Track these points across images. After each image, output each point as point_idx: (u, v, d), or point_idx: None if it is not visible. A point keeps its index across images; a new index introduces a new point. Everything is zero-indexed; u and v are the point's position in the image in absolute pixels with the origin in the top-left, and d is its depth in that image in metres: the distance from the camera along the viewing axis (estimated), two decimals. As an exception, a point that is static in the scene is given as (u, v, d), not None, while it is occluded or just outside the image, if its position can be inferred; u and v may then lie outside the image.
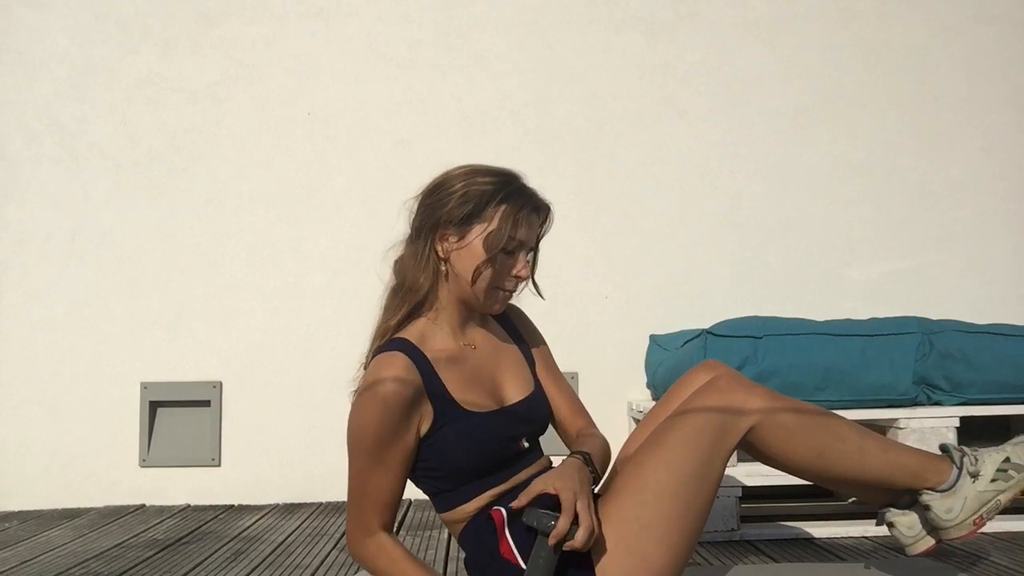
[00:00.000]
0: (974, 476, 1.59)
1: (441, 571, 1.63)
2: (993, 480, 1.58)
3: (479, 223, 1.54)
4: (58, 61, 3.30)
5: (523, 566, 1.42)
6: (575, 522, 1.37)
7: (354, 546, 1.51)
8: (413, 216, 1.61)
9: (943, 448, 1.66)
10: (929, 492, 1.60)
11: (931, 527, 1.62)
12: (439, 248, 1.57)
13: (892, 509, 1.67)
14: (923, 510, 1.62)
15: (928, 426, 2.43)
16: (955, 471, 1.60)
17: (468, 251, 1.54)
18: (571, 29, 3.38)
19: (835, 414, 1.63)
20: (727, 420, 1.53)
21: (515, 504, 1.44)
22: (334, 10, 3.36)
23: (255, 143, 3.32)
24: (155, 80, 3.32)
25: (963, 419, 2.47)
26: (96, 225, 3.27)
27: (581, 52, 3.38)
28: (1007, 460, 1.60)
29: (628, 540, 1.44)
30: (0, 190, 3.27)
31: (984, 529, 1.62)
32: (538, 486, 1.43)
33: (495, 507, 1.52)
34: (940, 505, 1.58)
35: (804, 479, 1.67)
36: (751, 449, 1.60)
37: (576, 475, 1.45)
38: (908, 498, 1.65)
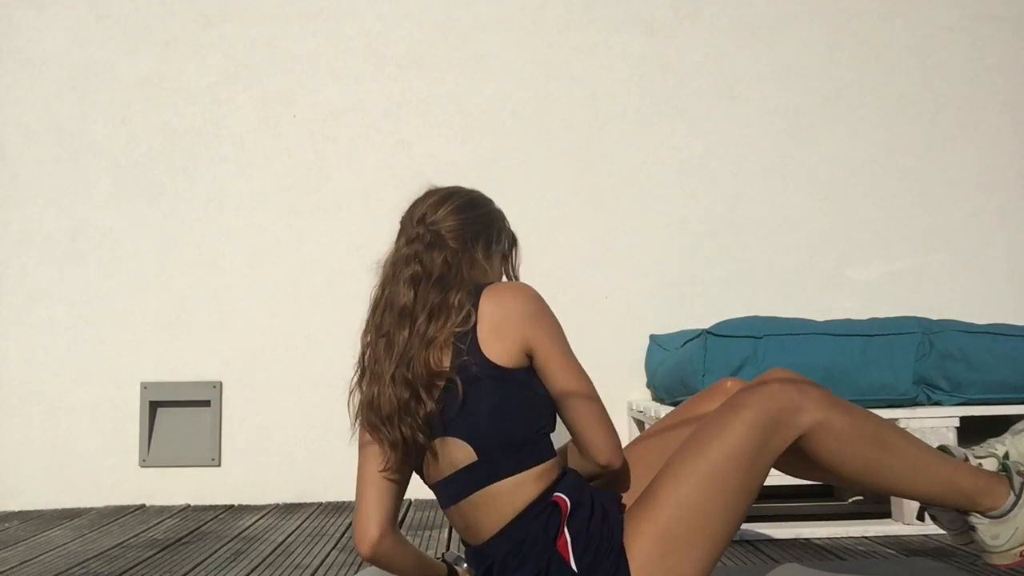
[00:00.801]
0: None
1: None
2: None
3: (498, 245, 1.62)
4: (58, 61, 3.30)
5: (575, 568, 1.38)
6: None
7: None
8: (455, 224, 1.57)
9: (1004, 466, 1.54)
10: (978, 515, 1.50)
11: (974, 543, 1.54)
12: (468, 256, 1.56)
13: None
14: (968, 528, 1.52)
15: (928, 426, 2.43)
16: (1011, 499, 1.49)
17: (489, 266, 1.59)
18: (571, 29, 3.38)
19: (895, 426, 1.54)
20: (780, 422, 1.44)
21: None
22: (334, 10, 3.36)
23: (255, 143, 3.32)
24: (155, 80, 3.32)
25: (963, 419, 2.47)
26: (96, 225, 3.27)
27: (581, 52, 3.38)
28: None
29: (664, 558, 1.39)
30: (0, 190, 3.27)
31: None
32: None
33: (557, 493, 1.44)
34: (987, 530, 1.50)
35: (847, 486, 1.59)
36: (794, 459, 1.50)
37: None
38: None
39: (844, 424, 1.46)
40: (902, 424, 2.44)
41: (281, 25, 3.35)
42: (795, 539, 2.35)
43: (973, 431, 2.58)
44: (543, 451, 1.46)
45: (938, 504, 1.54)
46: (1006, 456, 1.54)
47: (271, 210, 3.30)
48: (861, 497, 2.69)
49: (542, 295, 1.50)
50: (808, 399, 1.46)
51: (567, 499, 1.42)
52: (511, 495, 1.43)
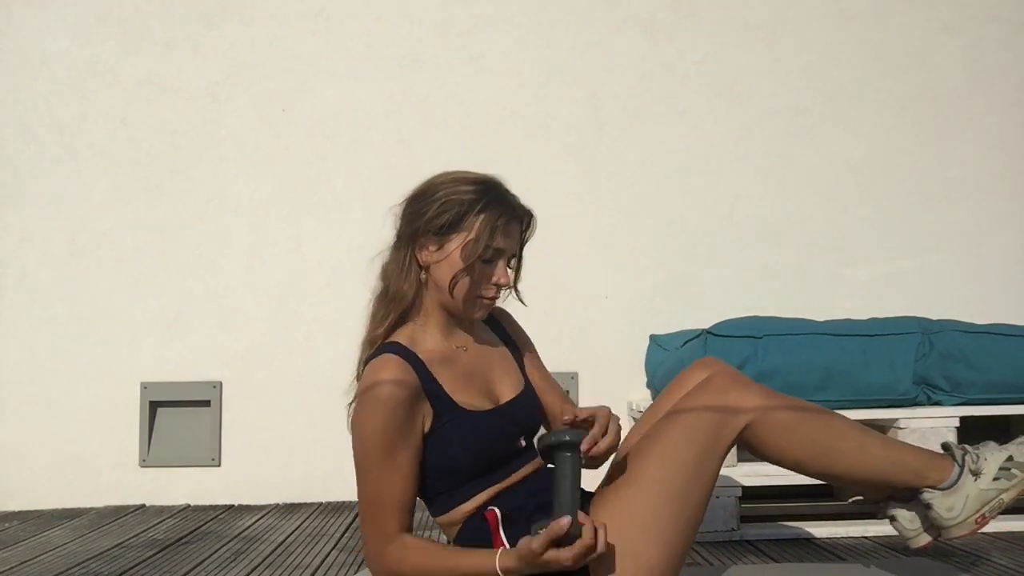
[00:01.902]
0: (976, 474, 1.58)
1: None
2: (996, 479, 1.57)
3: (457, 233, 1.55)
4: (58, 61, 3.30)
5: None
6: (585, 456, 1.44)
7: (375, 558, 1.47)
8: (397, 222, 1.62)
9: (945, 446, 1.65)
10: (930, 490, 1.59)
11: (933, 526, 1.62)
12: (420, 256, 1.58)
13: (892, 502, 1.67)
14: (924, 508, 1.61)
15: (928, 426, 2.43)
16: (956, 469, 1.59)
17: (447, 261, 1.55)
18: (571, 29, 3.38)
19: (834, 412, 1.63)
20: (723, 418, 1.53)
21: (566, 418, 1.50)
22: (334, 10, 3.36)
23: (255, 143, 3.32)
24: (155, 80, 3.32)
25: (963, 419, 2.47)
26: (96, 225, 3.27)
27: (581, 52, 3.38)
28: (1010, 459, 1.59)
29: (623, 538, 1.43)
30: (0, 190, 3.27)
31: (984, 529, 1.61)
32: (568, 411, 1.52)
33: (489, 508, 1.52)
34: (941, 503, 1.58)
35: (804, 475, 1.67)
36: (750, 446, 1.60)
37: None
38: (908, 493, 1.64)
39: (784, 413, 1.56)
40: (902, 424, 2.44)
41: (281, 25, 3.35)
42: (795, 539, 2.35)
43: (973, 431, 2.58)
44: (452, 502, 1.55)
45: (889, 483, 1.62)
46: (1009, 459, 1.58)
47: (271, 210, 3.30)
48: (861, 497, 2.68)
49: (369, 414, 1.45)
50: (748, 394, 1.56)
51: (497, 510, 1.50)
52: (448, 521, 1.57)
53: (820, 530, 2.38)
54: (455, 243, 1.55)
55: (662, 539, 1.45)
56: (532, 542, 1.33)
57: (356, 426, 1.47)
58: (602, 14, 3.38)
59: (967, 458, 1.60)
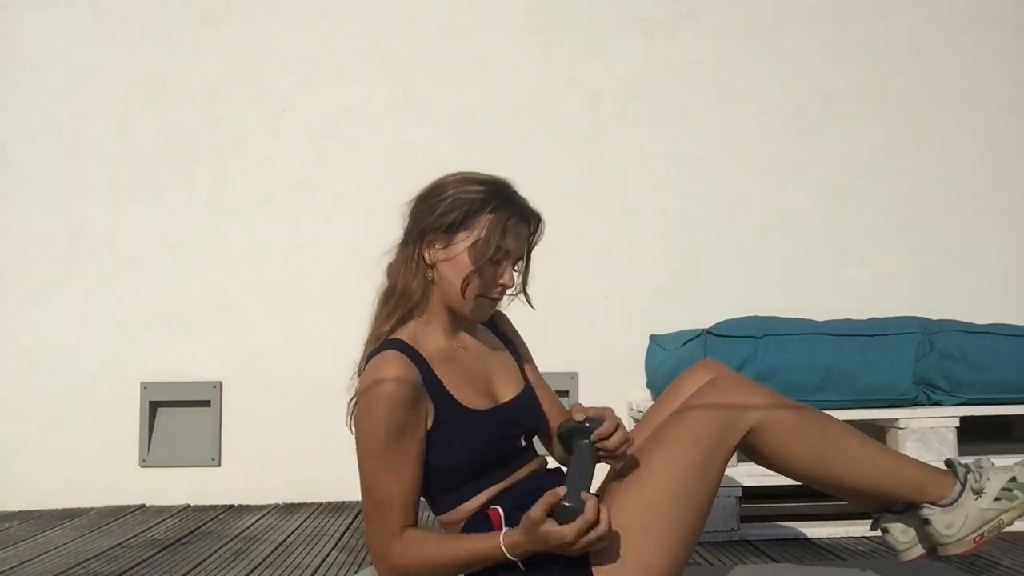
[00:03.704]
0: (977, 493, 1.55)
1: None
2: (997, 499, 1.55)
3: (465, 232, 1.55)
4: (58, 61, 3.30)
5: (521, 566, 1.42)
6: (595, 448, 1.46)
7: (381, 556, 1.45)
8: (405, 220, 1.61)
9: (948, 463, 1.63)
10: (930, 506, 1.57)
11: (928, 540, 1.59)
12: (427, 255, 1.57)
13: (886, 514, 1.65)
14: (923, 523, 1.59)
15: (928, 426, 2.43)
16: (958, 487, 1.57)
17: (455, 260, 1.55)
18: (571, 29, 3.38)
19: (839, 420, 1.61)
20: (728, 420, 1.52)
21: (574, 409, 1.50)
22: (334, 10, 3.36)
23: (255, 143, 3.32)
24: (155, 80, 3.31)
25: (963, 419, 2.47)
26: (96, 225, 3.27)
27: (581, 52, 3.38)
28: (1013, 480, 1.56)
29: (627, 540, 1.43)
30: (0, 190, 3.27)
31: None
32: (575, 408, 1.52)
33: (492, 506, 1.52)
34: (940, 520, 1.56)
35: (802, 483, 1.66)
36: (750, 451, 1.59)
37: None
38: (901, 505, 1.63)
39: (789, 419, 1.54)
40: (902, 424, 2.44)
41: (281, 25, 3.35)
42: (795, 539, 2.35)
43: (973, 431, 2.58)
44: (451, 502, 1.55)
45: (889, 496, 1.60)
46: (1012, 480, 1.57)
47: (271, 210, 3.30)
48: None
49: (375, 404, 1.43)
50: (755, 397, 1.54)
51: (499, 509, 1.50)
52: (449, 520, 1.56)
53: (820, 530, 2.38)
54: (462, 242, 1.55)
55: (666, 541, 1.45)
56: (531, 509, 1.34)
57: (359, 423, 1.46)
58: (602, 14, 3.39)
59: (970, 476, 1.57)
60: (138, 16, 3.32)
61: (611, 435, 1.46)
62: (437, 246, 1.56)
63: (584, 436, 1.46)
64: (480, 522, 1.52)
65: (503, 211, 1.56)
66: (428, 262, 1.57)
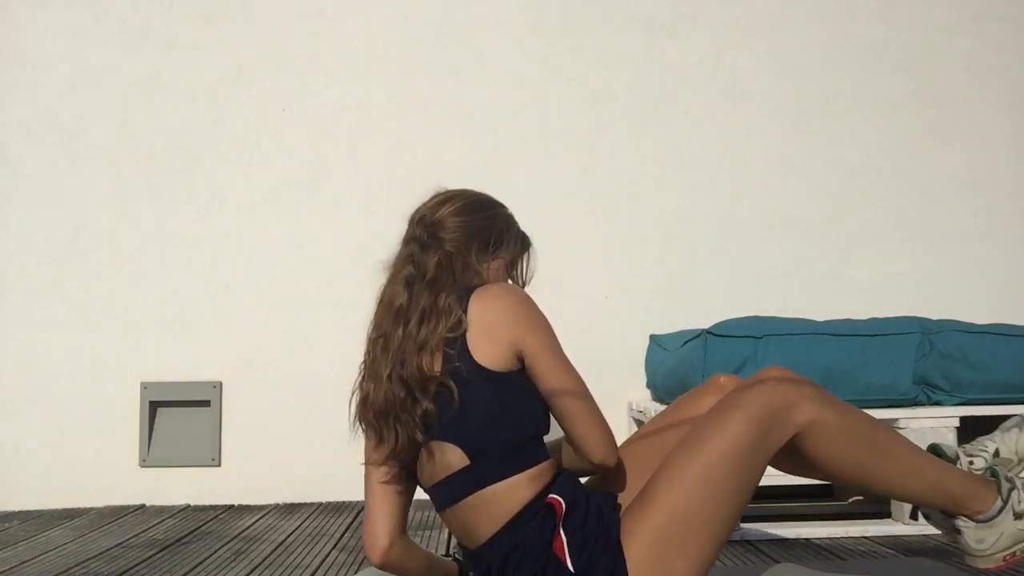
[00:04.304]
0: (1019, 516, 1.49)
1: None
2: None
3: (506, 251, 1.60)
4: (58, 61, 3.30)
5: (571, 568, 1.38)
6: None
7: (613, 450, 1.46)
8: (449, 224, 1.57)
9: (993, 471, 1.55)
10: (965, 519, 1.51)
11: (959, 548, 1.55)
12: (475, 260, 1.56)
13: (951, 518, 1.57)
14: (954, 531, 1.53)
15: (928, 426, 2.43)
16: (999, 504, 1.50)
17: (483, 269, 1.57)
18: (571, 29, 3.38)
19: (884, 425, 1.54)
20: (773, 420, 1.44)
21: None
22: (334, 10, 3.36)
23: (255, 143, 3.32)
24: (155, 80, 3.31)
25: (963, 419, 2.47)
26: (96, 225, 3.27)
27: (581, 52, 3.38)
28: None
29: (660, 558, 1.39)
30: (0, 190, 3.27)
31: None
32: None
33: (551, 495, 1.44)
34: (972, 534, 1.51)
35: (839, 484, 1.60)
36: (790, 454, 1.48)
37: None
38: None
39: (838, 423, 1.46)
40: (902, 424, 2.44)
41: (281, 25, 3.35)
42: (795, 539, 2.35)
43: (973, 431, 2.58)
44: (536, 454, 1.46)
45: (926, 505, 1.56)
46: (996, 453, 1.55)
47: (271, 210, 3.30)
48: (861, 497, 2.69)
49: (531, 297, 1.50)
50: (804, 397, 1.46)
51: (562, 500, 1.42)
52: (505, 498, 1.43)
53: (820, 530, 2.38)
54: (499, 258, 1.59)
55: (699, 559, 1.40)
56: None
57: (536, 315, 1.48)
58: (602, 14, 3.38)
59: (1013, 495, 1.51)
60: (138, 16, 3.32)
61: None
62: (475, 257, 1.56)
63: None
64: (539, 509, 1.43)
65: (526, 243, 1.66)
66: (464, 267, 1.55)
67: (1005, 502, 1.50)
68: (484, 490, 1.43)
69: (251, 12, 3.34)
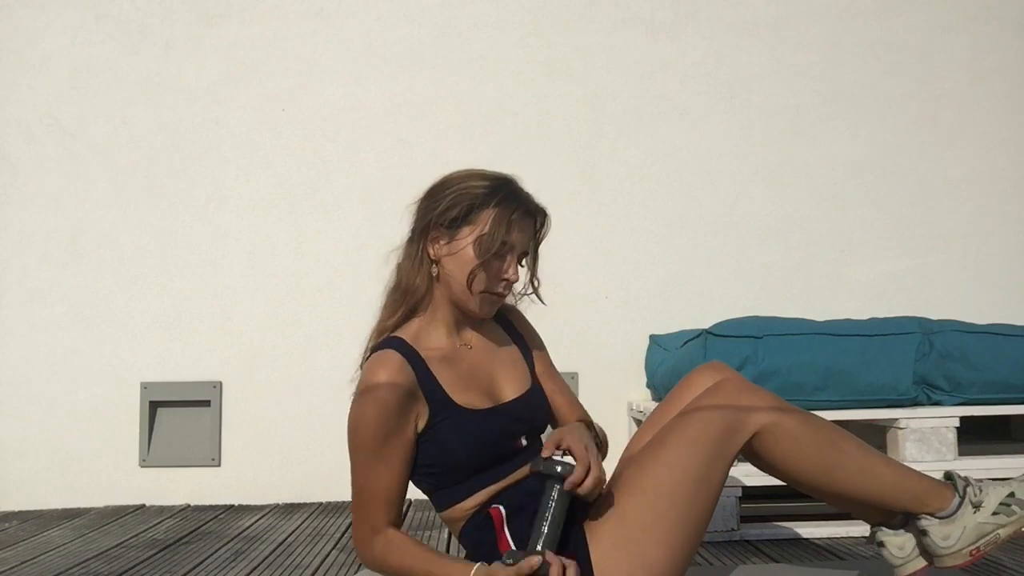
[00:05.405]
0: (976, 507, 1.56)
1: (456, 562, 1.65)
2: (995, 513, 1.56)
3: (469, 226, 1.56)
4: (58, 61, 3.30)
5: (512, 545, 1.46)
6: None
7: (362, 548, 1.52)
8: (412, 218, 1.63)
9: (947, 475, 1.64)
10: (928, 517, 1.58)
11: (926, 552, 1.60)
12: (431, 250, 1.59)
13: (884, 528, 1.65)
14: (920, 534, 1.59)
15: (928, 426, 2.43)
16: (957, 499, 1.57)
17: (459, 255, 1.56)
18: (571, 29, 3.38)
19: (843, 429, 1.61)
20: (733, 423, 1.53)
21: (544, 453, 1.47)
22: (334, 10, 3.36)
23: (255, 143, 3.32)
24: (155, 80, 3.32)
25: (963, 419, 2.47)
26: (96, 225, 3.27)
27: (581, 52, 3.38)
28: (1012, 495, 1.57)
29: (628, 541, 1.44)
30: (0, 190, 3.27)
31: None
32: (552, 439, 1.49)
33: (493, 505, 1.53)
34: (938, 532, 1.56)
35: (803, 491, 1.65)
36: (753, 456, 1.59)
37: (585, 432, 1.51)
38: (901, 518, 1.63)
39: (794, 426, 1.54)
40: (902, 424, 2.44)
41: (281, 25, 3.35)
42: (795, 539, 2.35)
43: (973, 431, 2.58)
44: (459, 495, 1.56)
45: (889, 506, 1.61)
46: (1011, 495, 1.58)
47: (271, 210, 3.30)
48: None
49: (361, 411, 1.49)
50: (760, 402, 1.55)
51: (502, 508, 1.51)
52: (450, 517, 1.59)
53: (820, 530, 2.38)
54: (466, 237, 1.55)
55: (668, 542, 1.45)
56: (500, 572, 1.36)
57: (351, 421, 1.50)
58: (602, 14, 3.39)
59: (969, 489, 1.58)
60: (138, 16, 3.32)
61: (583, 481, 1.43)
62: (441, 241, 1.58)
63: (556, 482, 1.43)
64: (481, 521, 1.53)
65: (507, 205, 1.57)
66: (432, 257, 1.58)
67: (962, 496, 1.58)
68: (441, 512, 1.61)
69: (251, 12, 3.34)
